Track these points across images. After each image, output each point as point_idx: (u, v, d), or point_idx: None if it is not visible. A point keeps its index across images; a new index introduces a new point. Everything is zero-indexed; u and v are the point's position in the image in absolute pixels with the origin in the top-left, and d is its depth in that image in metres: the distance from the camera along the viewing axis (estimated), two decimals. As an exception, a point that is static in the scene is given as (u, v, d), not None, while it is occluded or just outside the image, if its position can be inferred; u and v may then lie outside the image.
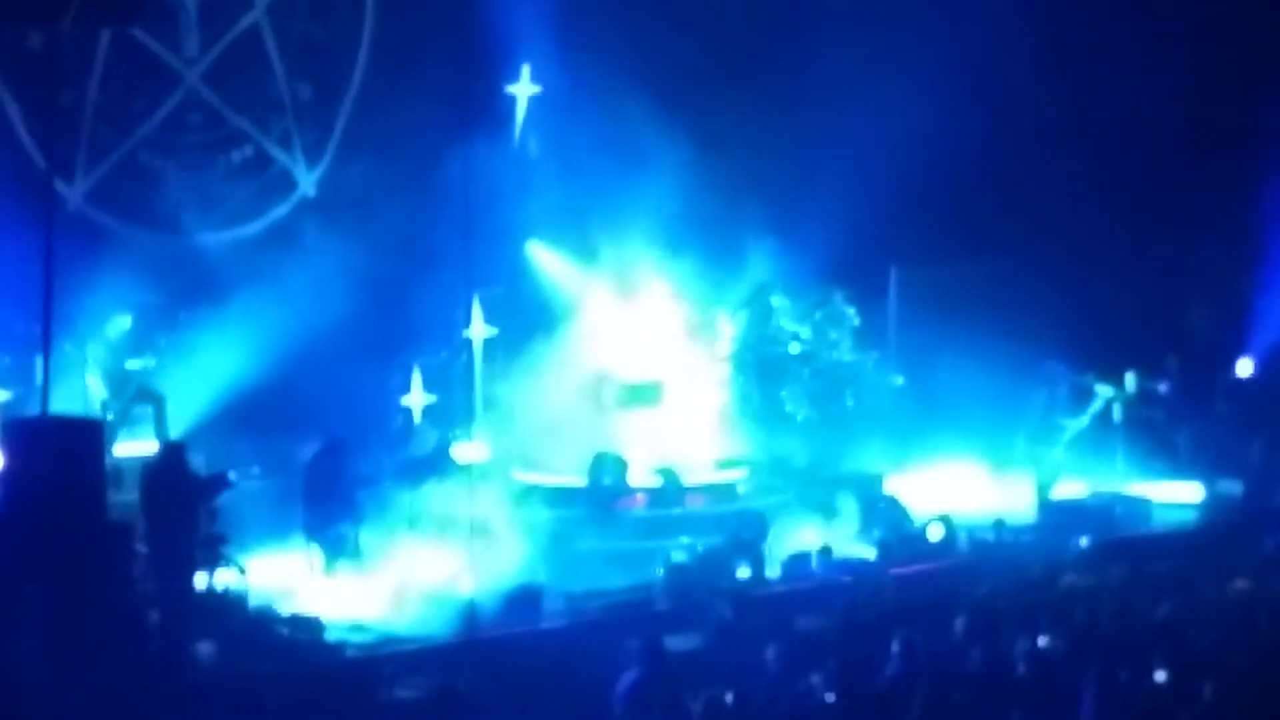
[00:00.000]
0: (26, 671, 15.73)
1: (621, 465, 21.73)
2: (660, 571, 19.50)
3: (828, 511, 21.64)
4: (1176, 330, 25.50)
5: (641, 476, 21.83)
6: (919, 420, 23.97)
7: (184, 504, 17.65)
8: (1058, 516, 21.84)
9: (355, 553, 19.68)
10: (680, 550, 20.06)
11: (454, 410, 22.51)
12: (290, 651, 17.44)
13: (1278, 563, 18.99)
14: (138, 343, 21.70)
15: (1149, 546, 21.10)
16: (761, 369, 24.12)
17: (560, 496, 21.51)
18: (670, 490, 21.75)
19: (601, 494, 21.47)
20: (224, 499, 18.41)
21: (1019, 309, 24.33)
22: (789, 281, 24.16)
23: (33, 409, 18.75)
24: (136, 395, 21.18)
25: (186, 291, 22.21)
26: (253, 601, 18.17)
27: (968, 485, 22.86)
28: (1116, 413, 23.91)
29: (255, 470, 20.82)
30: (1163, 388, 24.20)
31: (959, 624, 15.75)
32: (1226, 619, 16.03)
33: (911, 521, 21.49)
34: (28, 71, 21.33)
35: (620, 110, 22.20)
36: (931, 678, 14.34)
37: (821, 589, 19.45)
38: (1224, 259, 25.70)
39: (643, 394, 22.74)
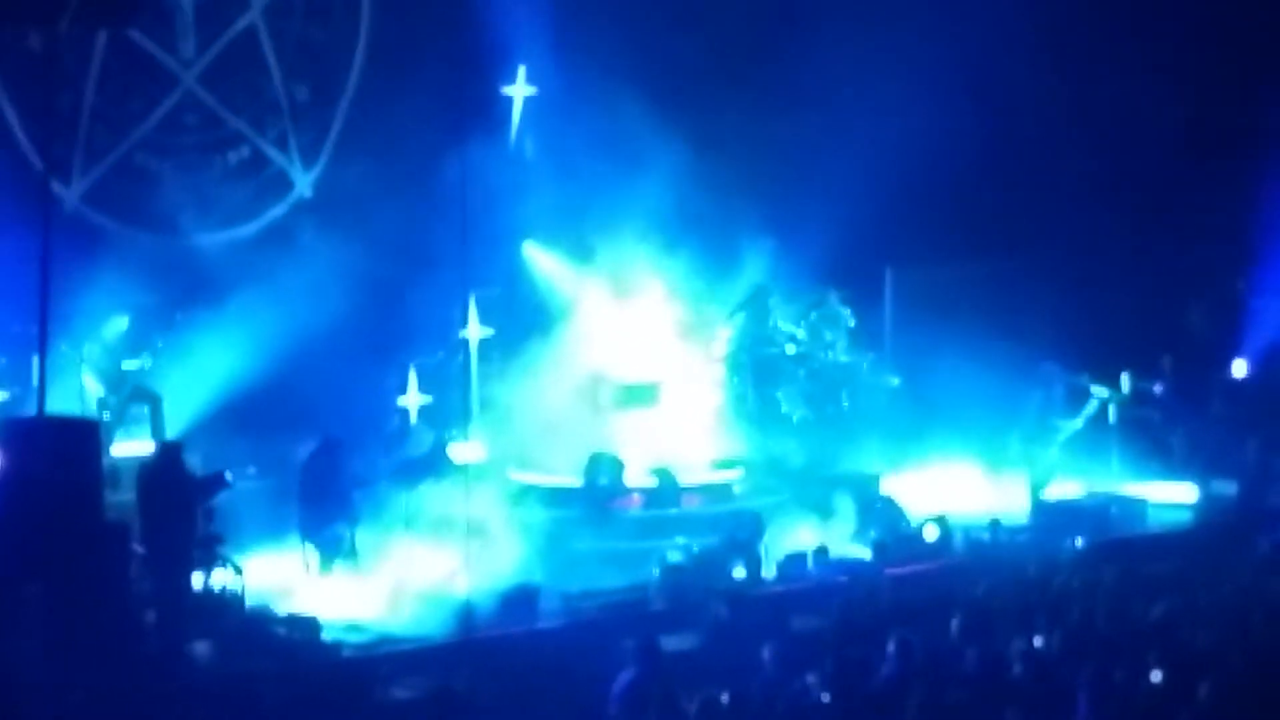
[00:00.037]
0: (24, 671, 15.70)
1: (618, 465, 21.74)
2: (656, 571, 19.48)
3: (824, 512, 21.63)
4: (1171, 331, 25.50)
5: (637, 477, 21.85)
6: (915, 421, 23.97)
7: (180, 504, 17.63)
8: (1053, 517, 21.85)
9: (351, 553, 19.67)
10: (676, 550, 20.05)
11: (450, 410, 22.55)
12: (287, 651, 17.41)
13: (1272, 563, 18.97)
14: (134, 343, 21.71)
15: (1144, 547, 21.10)
16: (757, 369, 24.12)
17: (556, 497, 21.54)
18: (666, 490, 21.76)
19: (598, 494, 21.48)
20: (220, 499, 18.39)
21: (1014, 310, 24.37)
22: (785, 282, 24.18)
23: (29, 409, 18.80)
24: (133, 395, 21.17)
25: (183, 292, 22.20)
26: (249, 601, 18.15)
27: (963, 486, 22.89)
28: (1112, 413, 23.91)
29: (251, 470, 20.92)
30: (1158, 388, 24.20)
31: (955, 624, 15.77)
32: (1222, 619, 16.03)
33: (907, 522, 21.48)
34: (25, 72, 21.28)
35: (616, 111, 22.21)
36: (927, 678, 14.33)
37: (817, 589, 19.43)
38: (1221, 260, 25.74)
39: (639, 394, 22.77)
